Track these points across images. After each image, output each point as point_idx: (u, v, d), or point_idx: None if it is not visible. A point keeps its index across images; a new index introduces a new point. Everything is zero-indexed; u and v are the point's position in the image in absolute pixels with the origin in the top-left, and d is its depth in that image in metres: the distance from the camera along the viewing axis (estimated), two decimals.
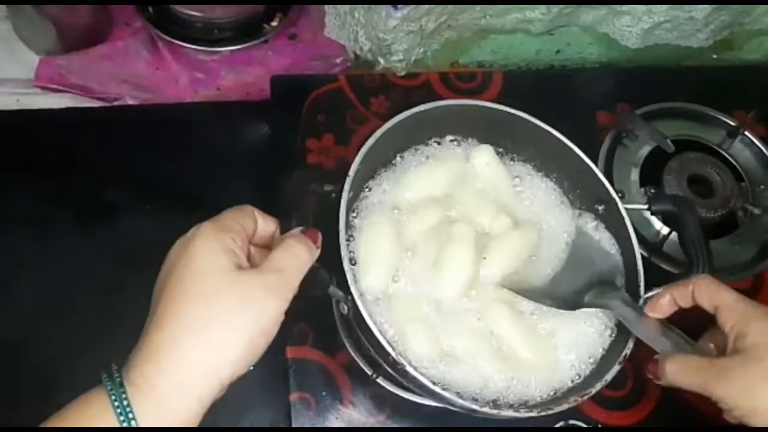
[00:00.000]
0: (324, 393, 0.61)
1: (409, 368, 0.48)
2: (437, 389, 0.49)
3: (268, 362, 0.64)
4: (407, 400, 0.59)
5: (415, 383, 0.49)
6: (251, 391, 0.63)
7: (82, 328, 0.64)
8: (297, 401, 0.60)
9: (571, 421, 0.60)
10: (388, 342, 0.49)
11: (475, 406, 0.49)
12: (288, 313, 0.58)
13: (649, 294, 0.55)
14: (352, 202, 0.58)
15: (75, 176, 0.71)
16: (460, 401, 0.49)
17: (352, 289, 0.49)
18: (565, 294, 0.57)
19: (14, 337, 0.64)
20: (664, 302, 0.53)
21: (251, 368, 0.64)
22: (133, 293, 0.66)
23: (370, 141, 0.56)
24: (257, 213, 0.45)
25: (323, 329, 0.61)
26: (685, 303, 0.52)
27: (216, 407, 0.62)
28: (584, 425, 0.60)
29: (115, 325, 0.65)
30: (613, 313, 0.54)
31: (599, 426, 0.61)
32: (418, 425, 0.60)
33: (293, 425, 0.59)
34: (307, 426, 0.59)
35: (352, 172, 0.54)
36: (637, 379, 0.62)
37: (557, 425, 0.59)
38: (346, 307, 0.51)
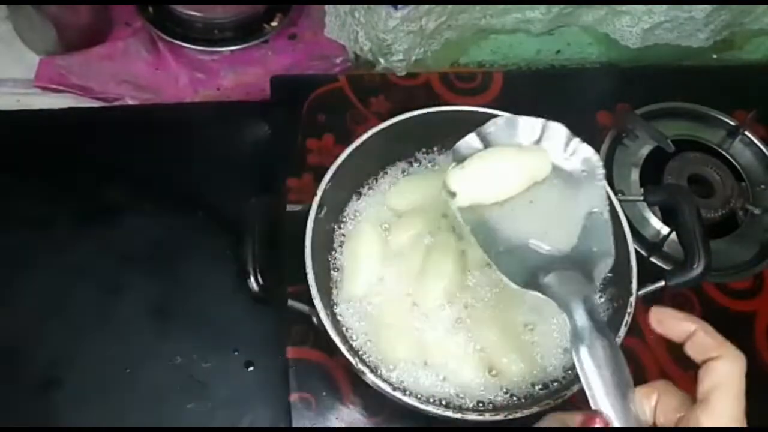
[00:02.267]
0: (324, 393, 0.60)
1: (369, 375, 0.50)
2: (398, 395, 0.50)
3: (269, 362, 0.64)
4: None
5: (379, 389, 0.51)
6: (251, 391, 0.63)
7: (81, 328, 0.64)
8: (297, 401, 0.60)
9: None
10: (352, 351, 0.51)
11: (438, 411, 0.50)
12: (288, 313, 0.58)
13: (645, 290, 0.55)
14: (337, 213, 0.60)
15: (75, 176, 0.71)
16: (421, 406, 0.50)
17: (316, 303, 0.51)
18: (527, 261, 0.46)
19: (14, 336, 0.64)
20: (669, 317, 0.42)
21: (250, 368, 0.65)
22: (133, 293, 0.66)
23: (340, 159, 0.57)
24: None
25: (324, 330, 0.61)
26: (676, 337, 0.42)
27: (217, 406, 0.63)
28: None
29: (114, 324, 0.65)
30: (562, 309, 0.43)
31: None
32: (418, 425, 0.60)
33: (293, 425, 0.59)
34: (307, 426, 0.59)
35: (320, 192, 0.55)
36: (638, 379, 0.62)
37: None
38: (315, 319, 0.53)
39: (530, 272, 0.46)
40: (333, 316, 0.55)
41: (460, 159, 0.49)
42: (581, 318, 0.41)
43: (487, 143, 0.50)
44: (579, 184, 0.50)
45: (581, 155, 0.50)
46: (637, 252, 0.57)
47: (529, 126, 0.51)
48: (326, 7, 0.73)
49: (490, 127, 0.50)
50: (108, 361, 0.63)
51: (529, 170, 0.49)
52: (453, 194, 0.48)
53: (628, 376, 0.40)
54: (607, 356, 0.40)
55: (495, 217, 0.48)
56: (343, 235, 0.60)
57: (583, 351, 0.40)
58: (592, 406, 0.38)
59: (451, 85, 0.77)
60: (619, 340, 0.52)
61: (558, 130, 0.50)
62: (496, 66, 0.85)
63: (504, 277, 0.45)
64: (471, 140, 0.50)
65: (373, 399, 0.61)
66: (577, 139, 0.50)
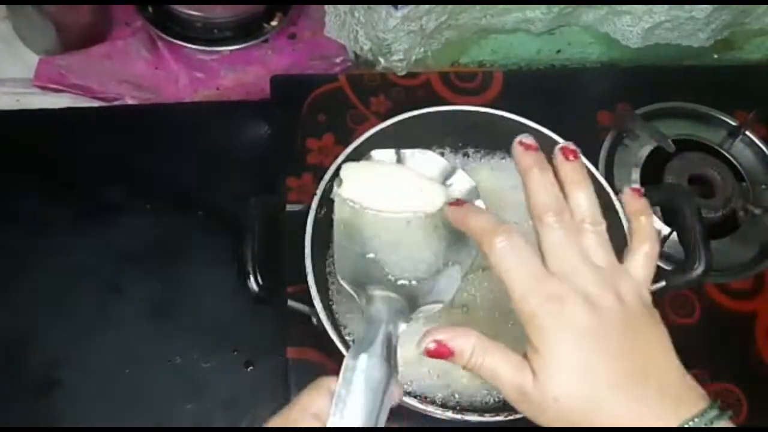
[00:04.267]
0: None
1: None
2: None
3: (268, 362, 0.64)
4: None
5: None
6: (251, 391, 0.63)
7: (81, 328, 0.64)
8: None
9: None
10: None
11: (438, 412, 0.50)
12: (288, 313, 0.58)
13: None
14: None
15: (74, 176, 0.71)
16: (421, 406, 0.50)
17: (315, 303, 0.51)
18: (369, 270, 0.48)
19: (13, 336, 0.64)
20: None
21: (250, 368, 0.65)
22: (132, 293, 0.66)
23: (339, 159, 0.57)
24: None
25: (323, 330, 0.61)
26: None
27: (216, 406, 0.63)
28: None
29: (114, 324, 0.65)
30: (365, 320, 0.43)
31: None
32: (418, 426, 0.59)
33: None
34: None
35: (319, 192, 0.55)
36: None
37: None
38: (315, 319, 0.52)
39: (364, 280, 0.47)
40: (332, 316, 0.55)
41: (366, 159, 0.52)
42: (376, 335, 0.41)
43: (399, 161, 0.53)
44: (460, 237, 0.50)
45: None
46: None
47: (441, 168, 0.53)
48: (326, 6, 0.73)
49: (409, 152, 0.53)
50: (108, 361, 0.63)
51: (417, 198, 0.50)
52: (341, 182, 0.50)
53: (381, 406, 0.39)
54: (372, 378, 0.39)
55: (366, 221, 0.50)
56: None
57: (356, 359, 0.39)
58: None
59: (451, 84, 0.77)
60: None
61: (465, 182, 0.52)
62: (496, 65, 0.85)
63: (337, 269, 0.47)
64: (387, 153, 0.52)
65: None
66: (479, 200, 0.51)
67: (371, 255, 0.49)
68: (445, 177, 0.52)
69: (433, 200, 0.50)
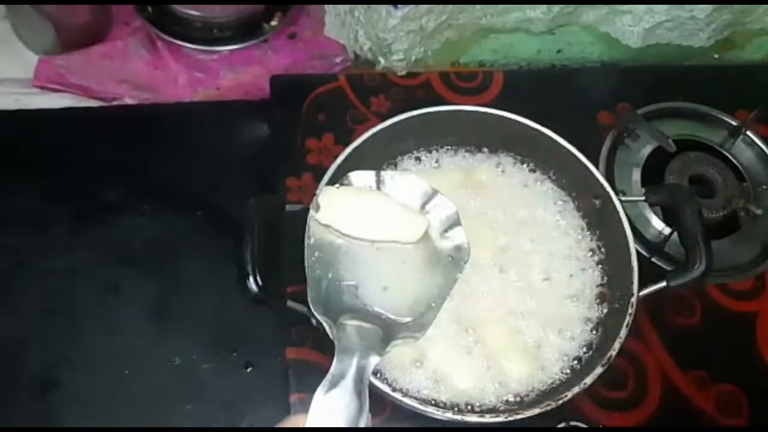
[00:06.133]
0: None
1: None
2: (398, 396, 0.50)
3: (268, 363, 0.64)
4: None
5: (379, 390, 0.51)
6: (250, 391, 0.63)
7: (80, 329, 0.64)
8: (297, 402, 0.60)
9: (572, 422, 0.59)
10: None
11: (438, 413, 0.50)
12: (288, 314, 0.58)
13: (646, 291, 0.55)
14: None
15: (74, 176, 0.71)
16: (422, 407, 0.50)
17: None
18: (342, 298, 0.47)
19: (13, 336, 0.63)
20: None
21: (249, 369, 0.65)
22: (132, 293, 0.66)
23: (339, 159, 0.57)
24: None
25: (323, 330, 0.61)
26: None
27: (216, 407, 0.63)
28: (585, 426, 0.60)
29: (113, 325, 0.65)
30: (337, 352, 0.43)
31: (600, 427, 0.60)
32: (419, 425, 0.59)
33: None
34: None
35: (319, 191, 0.55)
36: (639, 380, 0.62)
37: (559, 426, 0.59)
38: (314, 320, 0.52)
39: (336, 308, 0.46)
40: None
41: (345, 183, 0.51)
42: (348, 369, 0.41)
43: (378, 185, 0.51)
44: (440, 266, 0.49)
45: (456, 241, 0.50)
46: (638, 252, 0.57)
47: (421, 191, 0.51)
48: (326, 6, 0.73)
49: (389, 175, 0.51)
50: (107, 361, 0.63)
51: (397, 227, 0.49)
52: (318, 207, 0.50)
53: None
54: (344, 415, 0.39)
55: (342, 248, 0.49)
56: None
57: (327, 395, 0.40)
58: None
59: (451, 84, 0.77)
60: (619, 342, 0.52)
61: (446, 207, 0.50)
62: (496, 65, 0.85)
63: (309, 299, 0.46)
64: (367, 176, 0.51)
65: (372, 400, 0.60)
66: (460, 227, 0.50)
67: (346, 282, 0.48)
68: (426, 200, 0.50)
69: (413, 230, 0.49)
